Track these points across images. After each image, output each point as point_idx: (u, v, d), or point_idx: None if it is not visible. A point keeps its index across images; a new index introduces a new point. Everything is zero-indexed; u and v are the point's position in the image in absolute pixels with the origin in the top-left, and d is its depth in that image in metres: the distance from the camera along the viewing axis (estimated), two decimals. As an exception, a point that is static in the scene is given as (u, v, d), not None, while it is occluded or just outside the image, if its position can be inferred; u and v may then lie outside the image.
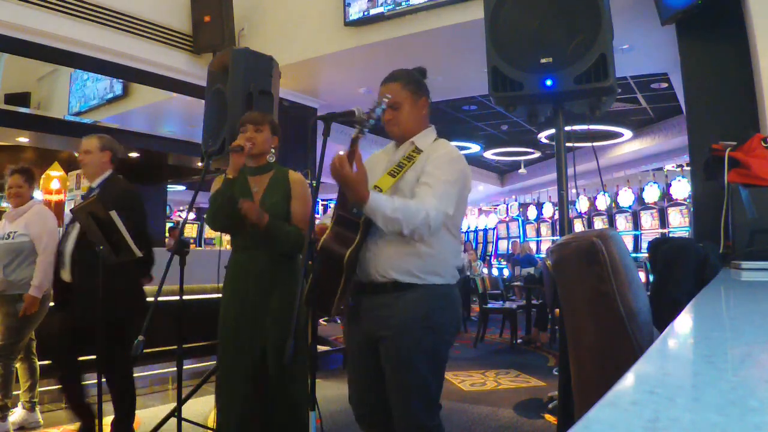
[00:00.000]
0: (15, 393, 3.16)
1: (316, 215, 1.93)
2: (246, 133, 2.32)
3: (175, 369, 2.41)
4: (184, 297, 2.50)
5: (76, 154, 6.90)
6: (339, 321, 6.36)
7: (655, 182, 9.40)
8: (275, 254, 2.28)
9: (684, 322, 0.82)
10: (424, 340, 1.70)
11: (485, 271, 10.84)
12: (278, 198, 2.32)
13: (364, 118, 1.66)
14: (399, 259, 1.71)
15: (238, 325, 2.27)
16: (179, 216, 14.00)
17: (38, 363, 3.29)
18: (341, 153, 1.61)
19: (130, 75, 5.22)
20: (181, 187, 13.01)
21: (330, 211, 1.97)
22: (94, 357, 2.70)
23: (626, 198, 9.71)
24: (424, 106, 1.88)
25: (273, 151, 2.41)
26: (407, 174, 1.76)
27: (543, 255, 9.99)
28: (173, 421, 2.39)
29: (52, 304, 3.31)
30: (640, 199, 9.47)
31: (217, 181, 2.40)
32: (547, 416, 3.47)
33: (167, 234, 8.97)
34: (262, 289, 2.25)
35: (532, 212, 12.35)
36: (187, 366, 4.10)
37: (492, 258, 13.28)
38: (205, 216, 2.42)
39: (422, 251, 1.71)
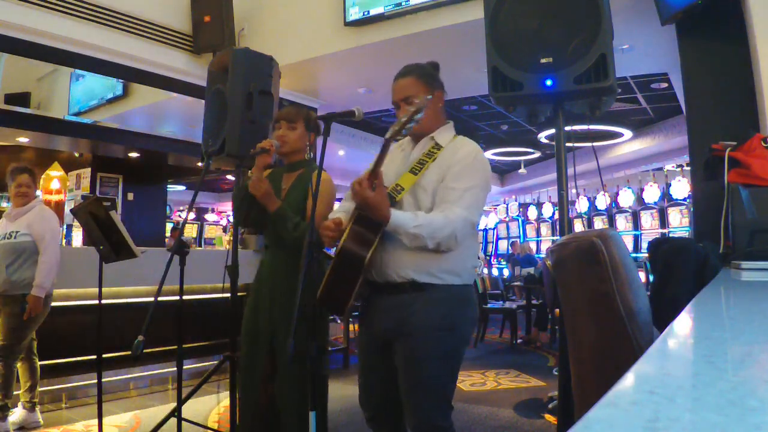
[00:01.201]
0: (15, 393, 3.16)
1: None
2: (279, 130, 2.30)
3: (175, 369, 2.41)
4: (184, 297, 2.50)
5: (76, 154, 6.85)
6: (339, 321, 6.35)
7: (655, 182, 9.40)
8: (296, 253, 2.27)
9: (684, 322, 0.82)
10: (442, 339, 1.69)
11: (485, 271, 10.84)
12: (297, 194, 2.29)
13: (396, 129, 1.59)
14: (418, 259, 1.69)
15: (259, 324, 2.25)
16: (179, 216, 13.99)
17: (39, 363, 3.29)
18: (362, 175, 1.62)
19: (130, 75, 5.22)
20: (181, 187, 13.03)
21: (342, 204, 1.95)
22: (93, 357, 2.70)
23: (626, 198, 9.71)
24: (439, 99, 1.85)
25: (308, 147, 2.36)
26: (429, 171, 1.74)
27: (543, 255, 9.98)
28: (173, 421, 2.39)
29: (54, 304, 3.31)
30: (640, 199, 9.47)
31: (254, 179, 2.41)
32: (547, 416, 3.47)
33: (168, 234, 8.97)
34: (284, 288, 2.23)
35: (532, 212, 12.35)
36: (187, 366, 4.10)
37: (492, 258, 13.28)
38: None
39: (441, 252, 1.70)
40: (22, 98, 4.93)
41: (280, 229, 2.18)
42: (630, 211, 9.62)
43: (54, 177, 7.30)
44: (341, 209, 1.91)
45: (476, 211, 1.72)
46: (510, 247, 11.97)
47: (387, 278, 1.73)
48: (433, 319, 1.68)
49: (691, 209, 7.80)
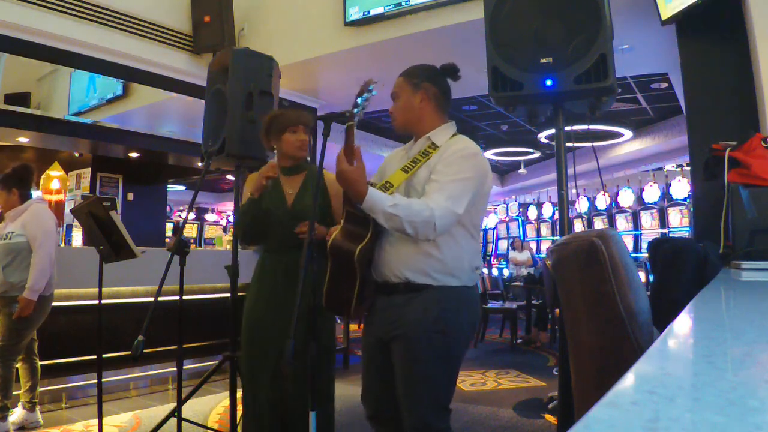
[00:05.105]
0: (15, 393, 3.16)
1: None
2: (298, 134, 2.30)
3: (175, 369, 2.41)
4: (184, 297, 2.50)
5: (76, 154, 6.85)
6: (339, 321, 6.35)
7: (655, 182, 9.40)
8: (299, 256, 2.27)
9: (684, 322, 0.82)
10: (434, 341, 1.67)
11: (485, 271, 10.84)
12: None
13: (350, 111, 1.69)
14: (413, 258, 1.68)
15: (266, 324, 2.24)
16: (179, 216, 13.99)
17: (39, 363, 3.29)
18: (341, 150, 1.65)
19: (130, 75, 5.22)
20: (181, 187, 13.03)
21: None
22: (93, 357, 2.70)
23: (626, 198, 9.71)
24: (423, 98, 1.82)
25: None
26: (421, 170, 1.73)
27: (543, 255, 9.99)
28: (173, 421, 2.39)
29: (54, 304, 3.31)
30: (640, 199, 9.47)
31: (250, 180, 2.34)
32: (547, 416, 3.47)
33: (168, 234, 8.96)
34: (292, 289, 2.22)
35: (532, 212, 12.35)
36: (187, 366, 4.11)
37: (492, 258, 13.27)
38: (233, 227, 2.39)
39: (436, 252, 1.68)
40: (22, 98, 4.93)
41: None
42: (630, 211, 9.61)
43: (54, 177, 7.29)
44: None
45: (459, 202, 1.63)
46: (510, 247, 11.98)
47: (384, 278, 1.75)
48: (424, 320, 1.67)
49: (691, 209, 7.81)
